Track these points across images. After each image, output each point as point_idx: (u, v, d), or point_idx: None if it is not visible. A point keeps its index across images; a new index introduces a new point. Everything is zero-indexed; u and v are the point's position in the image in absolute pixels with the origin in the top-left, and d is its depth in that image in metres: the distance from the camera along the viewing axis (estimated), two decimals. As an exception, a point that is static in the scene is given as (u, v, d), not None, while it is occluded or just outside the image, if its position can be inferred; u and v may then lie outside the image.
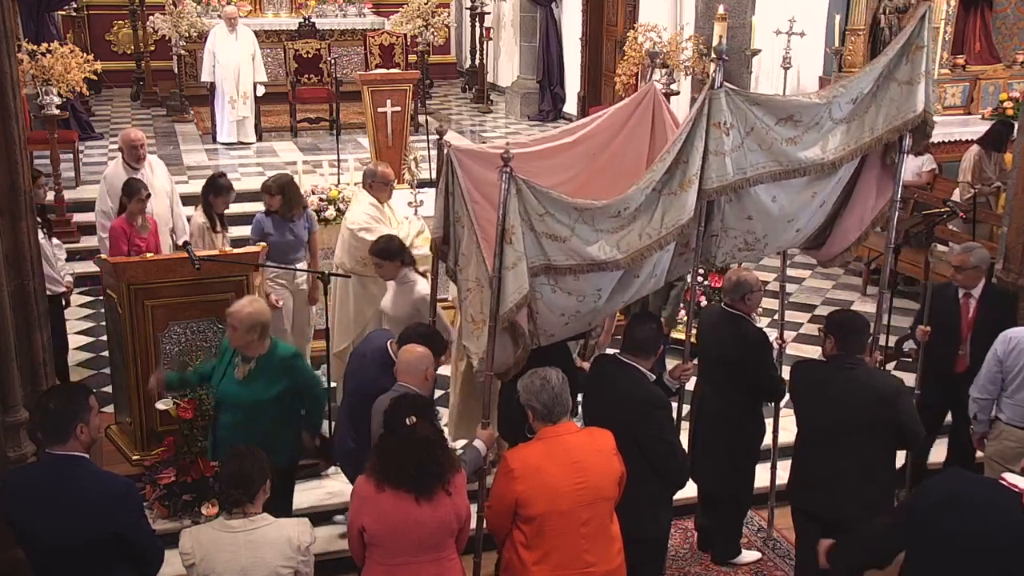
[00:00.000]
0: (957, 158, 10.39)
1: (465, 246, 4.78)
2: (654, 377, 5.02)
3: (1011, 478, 3.78)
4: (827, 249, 5.69)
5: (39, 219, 7.09)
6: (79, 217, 10.33)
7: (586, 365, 5.86)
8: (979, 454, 6.11)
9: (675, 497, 6.36)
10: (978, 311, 6.25)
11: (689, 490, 6.25)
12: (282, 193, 7.17)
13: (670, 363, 8.01)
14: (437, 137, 4.96)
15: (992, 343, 5.80)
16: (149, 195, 7.40)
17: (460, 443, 5.71)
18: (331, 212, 8.35)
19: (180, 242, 7.71)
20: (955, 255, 6.24)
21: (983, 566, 3.67)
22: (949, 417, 6.61)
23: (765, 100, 4.94)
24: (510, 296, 4.51)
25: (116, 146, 12.71)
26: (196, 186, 8.53)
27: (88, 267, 8.75)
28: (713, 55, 4.89)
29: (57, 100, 10.10)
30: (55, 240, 7.39)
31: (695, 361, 5.50)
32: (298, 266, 7.27)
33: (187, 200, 8.54)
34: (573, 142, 5.32)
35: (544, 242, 4.60)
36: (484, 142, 13.23)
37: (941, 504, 3.87)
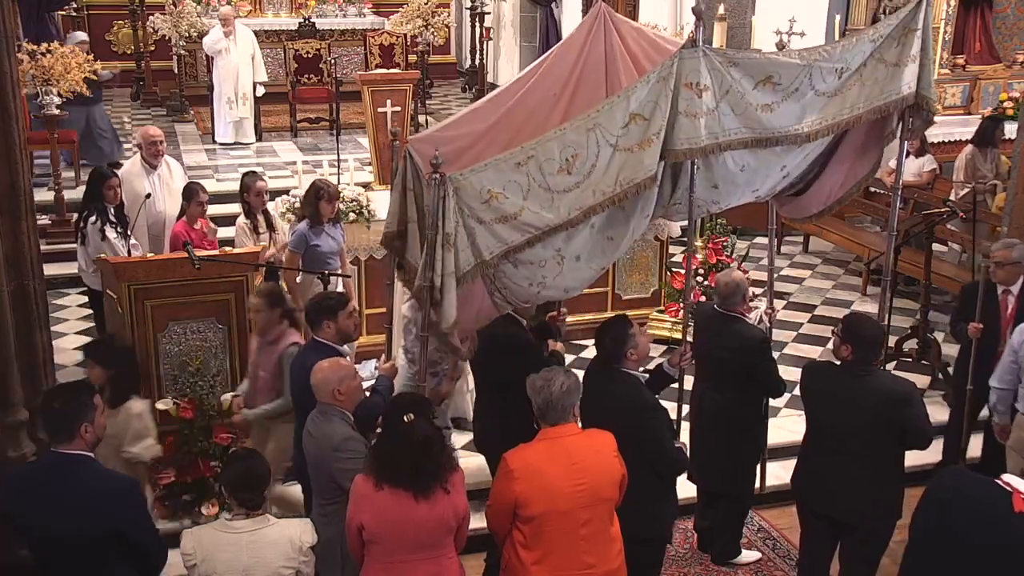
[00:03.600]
0: (946, 159, 10.42)
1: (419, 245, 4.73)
2: (646, 376, 5.02)
3: (1008, 478, 3.79)
4: (796, 208, 5.78)
5: (113, 219, 7.16)
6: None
7: (559, 347, 5.88)
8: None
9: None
10: (1018, 307, 6.25)
11: (689, 490, 6.28)
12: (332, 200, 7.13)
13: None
14: (391, 139, 4.97)
15: None
16: (208, 198, 7.50)
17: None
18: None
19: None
20: (996, 251, 6.21)
21: (978, 565, 3.67)
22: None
23: (744, 59, 4.77)
24: (453, 304, 4.49)
25: (125, 146, 12.81)
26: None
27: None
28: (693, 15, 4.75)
29: (57, 100, 10.10)
30: (133, 240, 7.39)
31: (660, 352, 5.44)
32: (324, 268, 7.21)
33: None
34: (532, 87, 5.20)
35: (496, 228, 4.52)
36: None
37: (938, 504, 3.89)
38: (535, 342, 5.63)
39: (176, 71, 14.74)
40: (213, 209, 8.83)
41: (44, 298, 5.98)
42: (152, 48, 15.21)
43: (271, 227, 7.55)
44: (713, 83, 4.62)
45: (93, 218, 7.19)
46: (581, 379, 4.52)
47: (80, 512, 3.93)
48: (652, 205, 4.88)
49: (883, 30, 4.99)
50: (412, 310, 5.87)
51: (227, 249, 6.89)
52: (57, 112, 10.12)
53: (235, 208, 9.77)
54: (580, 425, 4.49)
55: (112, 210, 7.33)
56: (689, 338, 5.56)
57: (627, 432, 4.53)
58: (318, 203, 6.97)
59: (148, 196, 7.58)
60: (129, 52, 15.71)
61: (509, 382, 5.16)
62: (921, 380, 8.07)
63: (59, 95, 10.13)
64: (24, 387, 5.57)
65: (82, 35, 11.57)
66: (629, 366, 4.92)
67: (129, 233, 7.36)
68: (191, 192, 7.38)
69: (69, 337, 8.62)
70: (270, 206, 9.01)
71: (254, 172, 7.82)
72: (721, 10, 10.44)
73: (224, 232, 8.02)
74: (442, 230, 4.40)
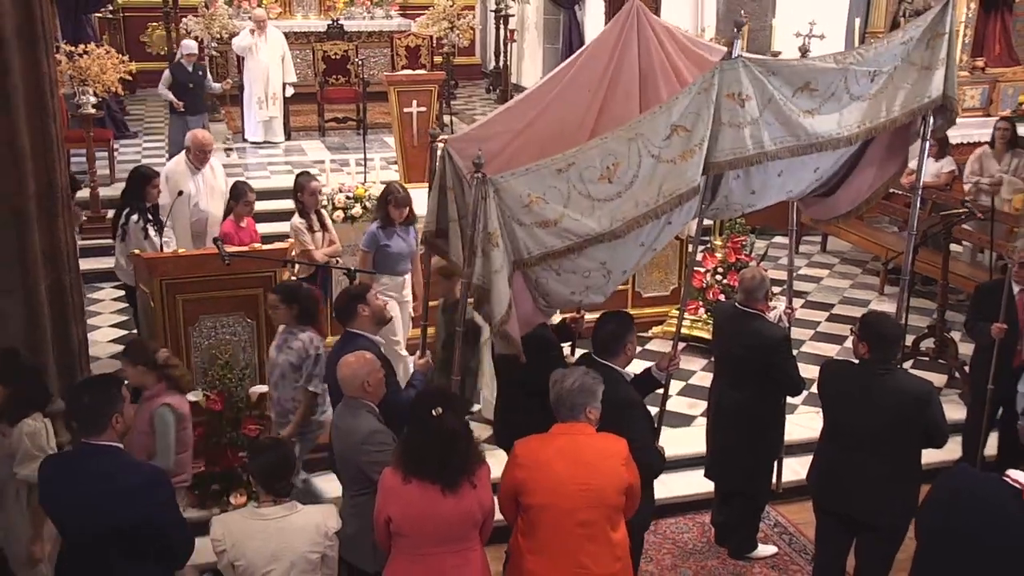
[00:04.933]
0: (964, 161, 10.32)
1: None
2: (631, 375, 4.99)
3: (1015, 474, 3.75)
4: (824, 210, 5.75)
5: (150, 216, 7.22)
6: (113, 214, 10.38)
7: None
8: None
9: (693, 491, 6.47)
10: None
11: (706, 485, 6.27)
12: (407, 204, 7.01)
13: (691, 361, 8.09)
14: (430, 140, 4.97)
15: None
16: (255, 197, 7.58)
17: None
18: (358, 209, 8.38)
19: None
20: (1020, 251, 6.17)
21: (986, 562, 3.64)
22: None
23: (781, 67, 4.75)
24: (503, 300, 4.47)
25: (156, 144, 12.93)
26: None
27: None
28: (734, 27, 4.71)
29: (93, 100, 10.18)
30: (166, 236, 7.46)
31: (681, 348, 5.38)
32: (336, 263, 7.26)
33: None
34: (566, 85, 5.16)
35: (536, 232, 4.51)
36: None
37: (946, 502, 3.86)
38: (557, 341, 5.62)
39: (208, 72, 14.81)
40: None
41: (80, 292, 6.04)
42: (185, 50, 15.28)
43: (323, 226, 7.57)
44: (755, 92, 4.58)
45: (135, 217, 7.22)
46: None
47: (111, 503, 3.95)
48: (692, 213, 4.86)
49: (912, 32, 4.95)
50: (277, 351, 5.64)
51: (256, 246, 6.92)
52: (93, 111, 10.20)
53: (269, 204, 9.88)
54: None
55: (149, 210, 7.37)
56: (681, 344, 5.49)
57: (605, 428, 4.45)
58: (387, 207, 6.95)
59: (180, 193, 7.63)
60: (163, 53, 15.77)
61: (531, 379, 5.16)
62: (938, 379, 8.01)
63: (95, 95, 10.21)
64: (60, 379, 5.64)
65: (191, 45, 11.77)
66: (619, 362, 4.87)
67: (164, 230, 7.41)
68: (240, 192, 7.44)
69: (104, 330, 8.68)
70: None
71: (308, 172, 7.85)
72: (743, 13, 10.39)
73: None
74: (484, 229, 4.40)
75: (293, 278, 7.47)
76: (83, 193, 10.12)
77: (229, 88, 12.68)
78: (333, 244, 7.60)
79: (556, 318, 5.89)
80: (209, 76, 12.13)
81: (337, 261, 7.38)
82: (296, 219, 7.49)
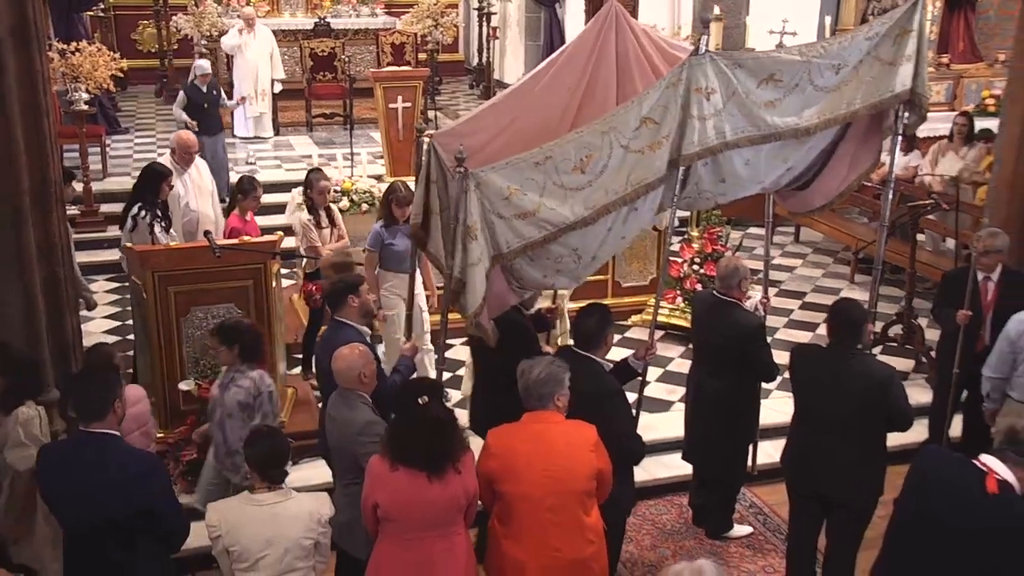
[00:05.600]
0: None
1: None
2: (610, 365, 4.98)
3: (985, 458, 3.76)
4: (800, 203, 5.76)
5: (159, 213, 7.14)
6: (106, 208, 10.33)
7: (550, 349, 5.85)
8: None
9: (671, 474, 6.49)
10: (997, 293, 6.24)
11: (684, 468, 6.30)
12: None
13: (669, 348, 8.10)
14: (415, 134, 4.94)
15: (1003, 321, 5.81)
16: (261, 195, 7.52)
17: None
18: (344, 203, 8.36)
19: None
20: (983, 240, 6.18)
21: (955, 544, 3.65)
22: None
23: (747, 60, 4.78)
24: (478, 292, 4.47)
25: (147, 140, 12.83)
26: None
27: (115, 255, 8.75)
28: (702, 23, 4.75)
29: (85, 96, 10.09)
30: (172, 232, 7.37)
31: (658, 337, 5.39)
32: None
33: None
34: (547, 83, 5.16)
35: (515, 224, 4.52)
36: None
37: (914, 487, 3.87)
38: (533, 330, 5.62)
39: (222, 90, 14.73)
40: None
41: (73, 284, 6.01)
42: (175, 47, 15.17)
43: (332, 223, 7.52)
44: (720, 86, 4.64)
45: (145, 212, 7.12)
46: None
47: (111, 491, 3.94)
48: (658, 201, 4.87)
49: (878, 28, 4.96)
50: (221, 389, 5.21)
51: (246, 238, 6.89)
52: (85, 108, 10.12)
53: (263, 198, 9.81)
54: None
55: (159, 206, 7.28)
56: (659, 332, 5.50)
57: (587, 418, 4.45)
58: (390, 206, 6.90)
59: (170, 188, 7.58)
60: (153, 51, 15.69)
61: (505, 365, 5.16)
62: (906, 364, 8.07)
63: (87, 92, 10.14)
64: (55, 368, 5.61)
65: (204, 65, 11.10)
66: (600, 353, 4.87)
67: (169, 227, 7.35)
68: (249, 187, 7.40)
69: (97, 321, 8.62)
70: (286, 197, 9.07)
71: (319, 169, 7.81)
72: (717, 11, 10.40)
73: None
74: (464, 222, 4.39)
75: (296, 271, 7.46)
76: (76, 187, 10.05)
77: (243, 103, 12.36)
78: (342, 240, 7.55)
79: (532, 308, 5.87)
80: (224, 94, 11.61)
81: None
82: (304, 215, 7.47)
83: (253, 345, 5.18)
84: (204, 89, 10.70)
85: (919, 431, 6.80)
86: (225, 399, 5.09)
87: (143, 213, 7.06)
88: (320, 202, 7.44)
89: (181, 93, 10.78)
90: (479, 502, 4.40)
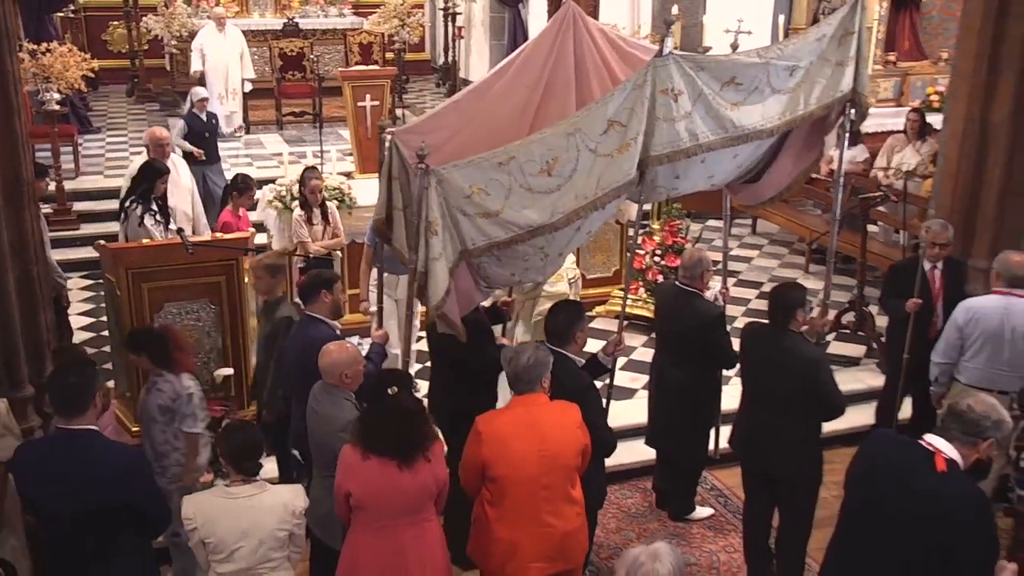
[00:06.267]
0: (876, 148, 10.48)
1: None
2: (582, 361, 4.99)
3: (930, 438, 3.77)
4: (750, 195, 5.77)
5: (153, 208, 7.04)
6: (79, 206, 10.20)
7: (506, 341, 5.84)
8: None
9: (635, 460, 6.51)
10: (943, 281, 6.31)
11: (647, 453, 6.31)
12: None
13: (632, 338, 8.11)
14: (379, 131, 4.88)
15: (952, 308, 5.86)
16: (255, 193, 7.52)
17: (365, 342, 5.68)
18: (289, 199, 8.26)
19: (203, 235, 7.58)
20: (936, 233, 6.22)
21: (906, 524, 3.66)
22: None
23: (709, 63, 4.73)
24: (440, 286, 4.41)
25: (119, 139, 12.63)
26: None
27: (89, 253, 8.62)
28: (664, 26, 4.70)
29: (57, 96, 9.94)
30: (171, 227, 7.25)
31: (624, 332, 5.39)
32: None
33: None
34: (507, 81, 5.13)
35: (479, 222, 4.45)
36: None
37: (865, 471, 3.88)
38: (488, 323, 5.59)
39: (168, 68, 14.57)
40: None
41: (47, 282, 5.91)
42: (146, 47, 14.94)
43: (326, 219, 7.46)
44: (687, 87, 4.55)
45: (135, 206, 7.07)
46: None
47: (96, 486, 3.88)
48: (622, 199, 4.84)
49: (825, 29, 4.96)
50: (145, 393, 5.03)
51: (219, 235, 6.82)
52: (57, 108, 9.96)
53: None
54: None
55: (156, 202, 7.21)
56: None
57: None
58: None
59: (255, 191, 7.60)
60: (124, 51, 15.45)
61: (462, 359, 5.14)
62: (858, 350, 8.15)
63: (58, 92, 9.98)
64: (29, 365, 5.51)
65: (201, 91, 10.38)
66: (571, 349, 4.86)
67: (170, 224, 7.25)
68: (246, 185, 7.35)
69: (71, 318, 8.47)
70: (257, 194, 8.94)
71: (314, 168, 7.71)
72: (675, 11, 10.40)
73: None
74: (425, 218, 4.34)
75: (302, 266, 7.39)
76: (50, 184, 9.88)
77: (239, 131, 11.74)
78: (337, 237, 7.48)
79: (488, 301, 5.82)
80: (221, 121, 11.25)
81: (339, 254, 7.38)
82: (296, 212, 7.42)
83: (159, 351, 4.97)
84: (203, 117, 10.05)
85: (868, 413, 6.89)
86: (147, 404, 4.97)
87: (134, 205, 7.01)
88: (312, 200, 7.37)
89: (181, 122, 10.02)
90: (467, 490, 4.41)
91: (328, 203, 7.61)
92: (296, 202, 7.97)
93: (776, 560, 5.35)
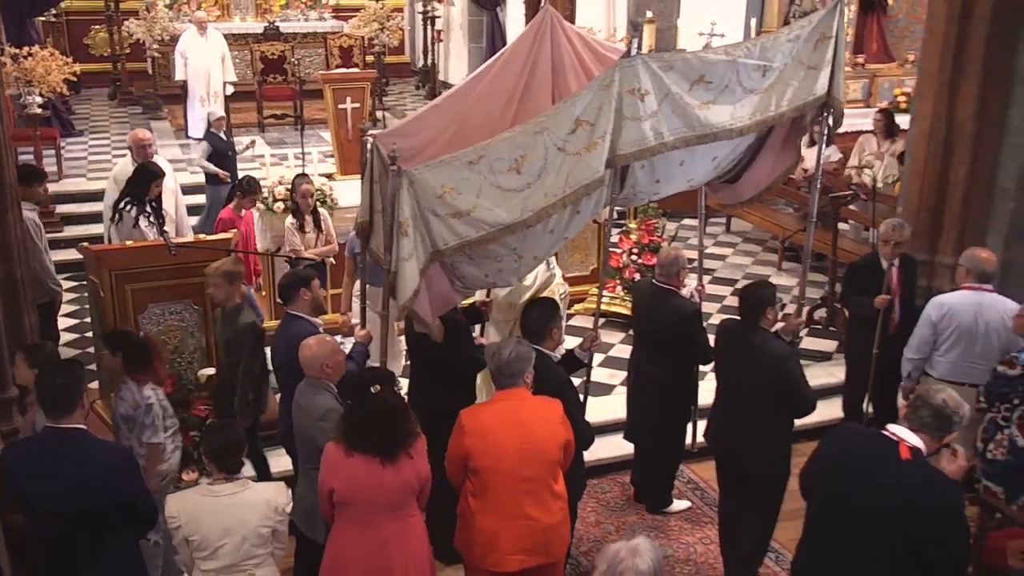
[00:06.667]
0: (847, 148, 10.56)
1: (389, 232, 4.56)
2: (558, 357, 4.98)
3: (893, 428, 3.80)
4: (730, 195, 5.76)
5: (147, 210, 7.00)
6: (62, 208, 10.09)
7: (484, 340, 5.82)
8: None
9: (614, 454, 6.51)
10: (900, 278, 6.35)
11: (625, 448, 6.32)
12: None
13: (610, 335, 8.13)
14: (360, 134, 4.85)
15: (909, 303, 5.88)
16: (259, 198, 7.45)
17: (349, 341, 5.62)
18: (272, 202, 8.21)
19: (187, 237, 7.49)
20: (895, 232, 6.26)
21: (876, 518, 3.66)
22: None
23: (677, 62, 4.68)
24: (408, 286, 4.39)
25: (102, 142, 12.52)
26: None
27: (72, 255, 8.53)
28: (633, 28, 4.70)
29: (39, 100, 9.86)
30: (166, 229, 7.17)
31: (600, 325, 5.39)
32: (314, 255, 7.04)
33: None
34: (487, 84, 5.10)
35: (451, 222, 4.42)
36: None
37: (830, 470, 3.87)
38: (466, 323, 5.58)
39: (150, 72, 14.45)
40: (189, 200, 8.69)
41: (31, 284, 5.85)
42: (127, 51, 14.81)
43: (318, 227, 7.34)
44: (653, 87, 4.53)
45: (129, 207, 7.01)
46: None
47: (88, 485, 3.85)
48: (602, 203, 4.83)
49: (798, 31, 4.93)
50: (113, 399, 4.98)
51: (202, 237, 6.77)
52: (39, 111, 9.85)
53: (204, 199, 9.63)
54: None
55: (150, 204, 7.14)
56: (600, 320, 5.48)
57: None
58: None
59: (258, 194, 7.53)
60: (106, 55, 15.30)
61: (439, 358, 5.12)
62: (830, 345, 8.19)
63: (41, 95, 9.87)
64: (13, 368, 5.43)
65: (217, 111, 10.07)
66: (547, 346, 4.85)
67: (164, 226, 7.14)
68: (250, 189, 7.31)
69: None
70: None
71: (304, 175, 7.63)
72: (649, 14, 10.44)
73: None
74: (396, 219, 4.32)
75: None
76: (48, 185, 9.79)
77: (252, 147, 11.27)
78: (329, 244, 7.36)
79: (466, 301, 5.80)
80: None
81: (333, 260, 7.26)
82: (288, 220, 7.33)
83: (135, 356, 4.90)
84: (223, 136, 9.73)
85: (840, 407, 6.91)
86: (113, 412, 4.87)
87: (128, 207, 6.96)
88: (304, 205, 7.25)
89: (204, 143, 9.58)
90: (453, 482, 4.40)
91: (320, 209, 7.50)
92: (279, 204, 7.94)
93: (739, 549, 5.38)
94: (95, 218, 8.22)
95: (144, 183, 7.09)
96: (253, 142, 10.77)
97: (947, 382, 5.57)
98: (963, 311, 5.70)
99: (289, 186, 8.12)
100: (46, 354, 4.90)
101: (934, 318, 5.77)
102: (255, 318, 5.52)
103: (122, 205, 7.03)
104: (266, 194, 8.03)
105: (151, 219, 7.01)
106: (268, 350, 5.45)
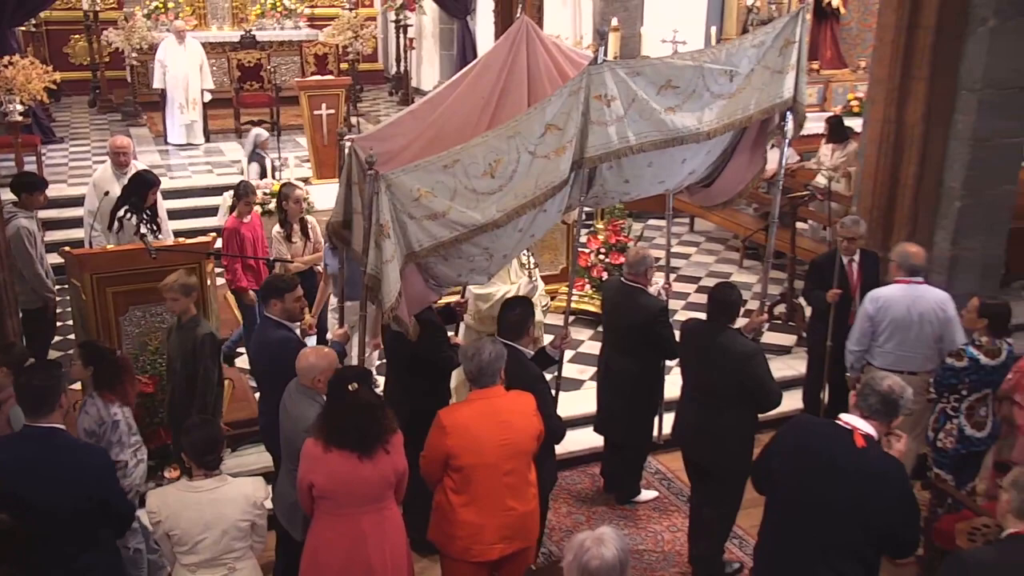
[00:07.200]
0: (813, 149, 10.67)
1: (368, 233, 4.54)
2: (531, 353, 4.99)
3: (845, 417, 3.84)
4: (705, 197, 5.81)
5: (145, 217, 6.92)
6: (43, 214, 9.82)
7: (459, 341, 5.82)
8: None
9: (584, 447, 6.53)
10: (860, 273, 6.41)
11: (595, 440, 6.34)
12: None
13: (579, 332, 8.15)
14: (338, 139, 4.82)
15: None
16: (253, 200, 7.27)
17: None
18: (273, 205, 8.17)
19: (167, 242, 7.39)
20: (849, 228, 6.33)
21: (837, 504, 3.69)
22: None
23: (645, 67, 4.72)
24: (392, 288, 4.37)
25: (82, 148, 12.37)
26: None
27: (54, 259, 8.40)
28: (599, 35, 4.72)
29: (20, 108, 9.72)
30: (160, 236, 7.16)
31: (569, 322, 5.41)
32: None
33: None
34: (463, 91, 5.09)
35: (426, 224, 4.42)
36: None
37: (788, 461, 3.88)
38: (441, 323, 5.58)
39: (129, 80, 14.29)
40: (168, 204, 8.61)
41: (13, 288, 5.78)
42: (107, 60, 14.63)
43: (306, 235, 7.18)
44: (620, 93, 4.56)
45: (130, 215, 6.93)
46: None
47: (66, 484, 3.80)
48: (566, 202, 4.84)
49: (763, 37, 4.97)
50: (78, 413, 4.80)
51: (181, 240, 6.71)
52: (20, 119, 9.73)
53: (185, 204, 9.57)
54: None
55: (147, 211, 7.06)
56: (570, 317, 5.48)
57: None
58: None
59: (107, 194, 7.34)
60: (85, 63, 15.12)
61: (415, 356, 5.12)
62: (789, 339, 8.27)
63: (22, 103, 9.75)
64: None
65: (264, 133, 9.44)
66: (523, 343, 4.86)
67: (159, 231, 7.15)
68: (243, 192, 7.19)
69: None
70: (218, 200, 8.83)
71: (291, 183, 7.49)
72: (615, 22, 10.49)
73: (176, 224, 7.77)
74: (377, 222, 4.31)
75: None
76: (11, 196, 9.65)
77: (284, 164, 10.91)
78: (318, 252, 7.17)
79: (441, 302, 5.79)
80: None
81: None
82: (275, 229, 7.19)
83: (106, 374, 4.79)
84: (269, 156, 9.47)
85: (799, 398, 6.98)
86: (78, 424, 4.73)
87: (129, 215, 6.88)
88: (294, 213, 7.06)
89: (254, 164, 9.13)
90: (428, 481, 4.38)
91: (307, 217, 7.33)
92: (257, 208, 7.88)
93: (699, 539, 5.44)
94: (76, 223, 8.11)
95: (141, 191, 7.02)
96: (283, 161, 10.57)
97: (889, 371, 5.65)
98: (897, 304, 5.77)
99: (267, 190, 8.09)
100: (16, 354, 4.85)
101: (870, 311, 5.85)
102: (212, 328, 5.44)
103: (122, 214, 6.95)
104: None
105: (149, 226, 6.96)
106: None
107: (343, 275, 5.40)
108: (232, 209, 7.32)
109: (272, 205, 8.09)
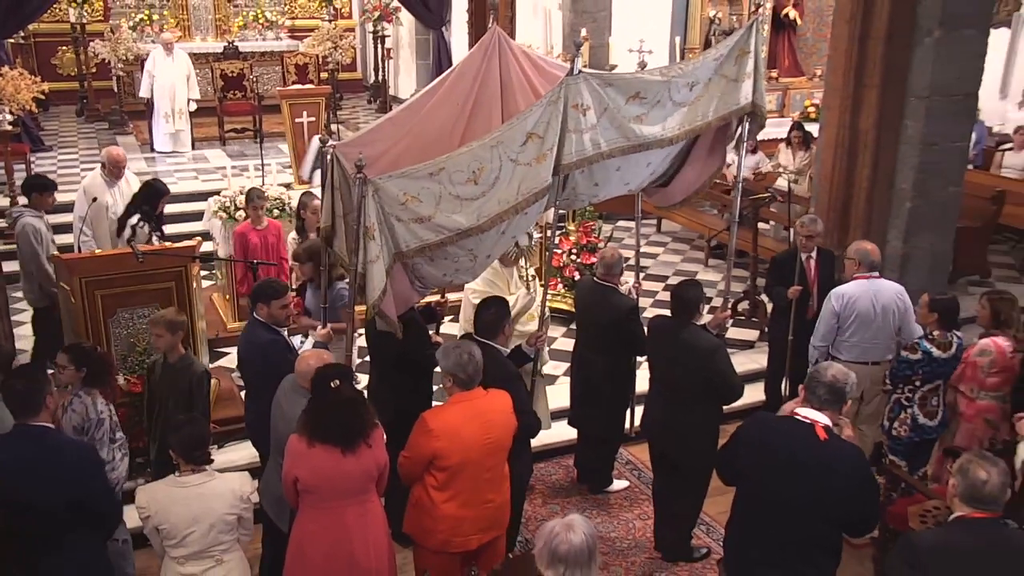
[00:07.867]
0: (771, 153, 10.76)
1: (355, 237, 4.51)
2: (507, 351, 4.99)
3: (803, 411, 3.85)
4: (663, 198, 5.84)
5: (149, 221, 6.92)
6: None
7: (440, 339, 5.80)
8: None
9: (559, 440, 6.54)
10: (818, 269, 6.46)
11: (569, 433, 6.35)
12: (312, 260, 5.82)
13: (552, 329, 8.15)
14: (319, 145, 4.79)
15: (825, 292, 6.00)
16: (260, 205, 7.27)
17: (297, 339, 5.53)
18: (277, 212, 8.10)
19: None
20: (807, 227, 6.38)
21: (805, 496, 3.70)
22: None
23: (616, 79, 4.78)
24: (377, 286, 4.36)
25: (70, 156, 12.20)
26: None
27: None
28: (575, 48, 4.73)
29: (9, 117, 9.60)
30: (85, 237, 7.12)
31: (547, 329, 5.41)
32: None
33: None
34: (439, 99, 5.07)
35: (412, 227, 4.43)
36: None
37: (752, 456, 3.89)
38: (423, 322, 5.56)
39: (116, 90, 14.13)
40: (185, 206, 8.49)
41: (3, 292, 5.71)
42: (94, 70, 14.45)
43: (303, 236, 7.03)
44: (594, 103, 4.60)
45: (143, 223, 6.92)
46: None
47: (55, 480, 3.75)
48: (544, 206, 4.86)
49: (722, 50, 5.04)
50: (62, 412, 4.56)
51: (168, 244, 6.65)
52: (9, 128, 9.60)
53: (171, 209, 9.43)
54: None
55: (156, 219, 7.07)
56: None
57: None
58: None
59: (95, 200, 7.27)
60: (73, 74, 14.95)
61: (400, 355, 5.10)
62: (752, 334, 8.32)
63: (11, 113, 9.62)
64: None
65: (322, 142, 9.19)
66: (499, 341, 4.86)
67: (163, 237, 7.13)
68: (252, 198, 7.18)
69: (27, 326, 8.15)
70: (203, 205, 8.74)
71: (310, 192, 7.38)
72: (584, 33, 10.51)
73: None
74: (363, 224, 4.31)
75: (216, 273, 7.13)
76: (3, 202, 9.53)
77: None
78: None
79: (422, 302, 5.75)
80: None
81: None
82: (291, 236, 7.10)
83: (99, 371, 4.75)
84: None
85: (761, 391, 7.03)
86: (63, 422, 4.57)
87: (142, 223, 6.86)
88: (311, 222, 6.80)
89: (319, 172, 8.60)
90: (409, 480, 4.35)
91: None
92: (240, 212, 7.81)
93: (666, 528, 5.47)
94: (65, 228, 8.01)
95: (153, 201, 7.02)
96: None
97: (854, 363, 5.70)
98: (862, 299, 5.82)
99: (247, 196, 7.98)
100: (2, 356, 4.80)
101: (837, 308, 5.87)
102: (205, 366, 5.33)
103: (135, 221, 6.92)
104: (228, 204, 7.91)
105: (158, 235, 6.95)
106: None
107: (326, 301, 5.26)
108: (221, 213, 7.27)
109: (232, 209, 7.99)
